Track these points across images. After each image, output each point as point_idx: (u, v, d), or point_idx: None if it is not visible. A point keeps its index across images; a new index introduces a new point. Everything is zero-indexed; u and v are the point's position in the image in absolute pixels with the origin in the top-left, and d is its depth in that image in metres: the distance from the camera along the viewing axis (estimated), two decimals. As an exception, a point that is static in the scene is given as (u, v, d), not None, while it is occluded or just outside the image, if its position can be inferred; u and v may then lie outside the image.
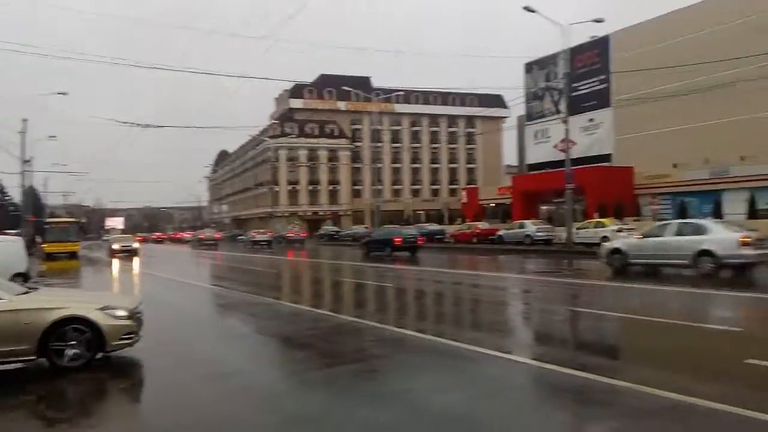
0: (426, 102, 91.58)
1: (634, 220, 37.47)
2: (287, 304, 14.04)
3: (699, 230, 16.67)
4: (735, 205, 36.82)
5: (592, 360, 7.59)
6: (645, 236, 18.63)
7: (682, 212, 37.83)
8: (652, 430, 4.95)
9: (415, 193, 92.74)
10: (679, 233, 17.04)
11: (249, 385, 6.65)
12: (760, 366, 6.59)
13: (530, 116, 59.21)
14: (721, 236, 15.98)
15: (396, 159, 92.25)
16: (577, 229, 33.00)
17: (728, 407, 5.03)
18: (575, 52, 50.09)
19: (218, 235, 68.72)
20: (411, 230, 36.07)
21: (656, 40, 44.47)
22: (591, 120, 51.39)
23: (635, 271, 17.84)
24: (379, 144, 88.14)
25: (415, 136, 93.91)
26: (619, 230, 29.25)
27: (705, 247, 15.81)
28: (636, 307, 12.15)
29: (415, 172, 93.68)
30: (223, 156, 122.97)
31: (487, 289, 16.53)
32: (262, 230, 58.92)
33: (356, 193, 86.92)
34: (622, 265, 18.19)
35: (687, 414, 5.10)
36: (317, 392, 6.28)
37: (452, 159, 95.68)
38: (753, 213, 35.17)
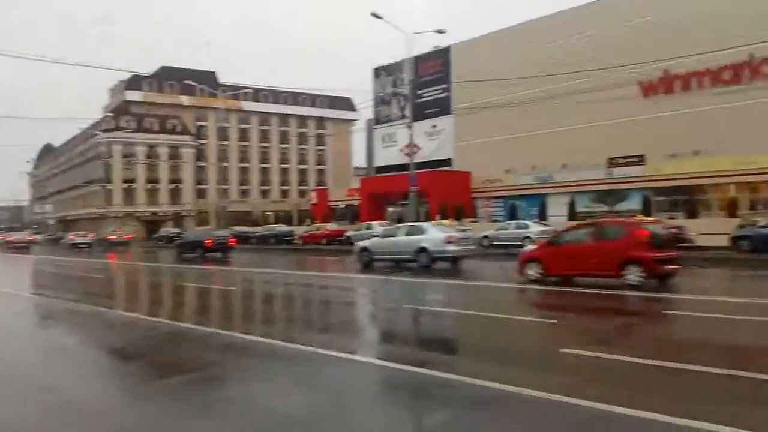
0: (276, 101, 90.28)
1: (471, 221, 39.98)
2: (116, 312, 12.99)
3: (420, 231, 20.34)
4: (558, 207, 40.80)
5: (429, 355, 7.86)
6: (384, 236, 21.78)
7: (512, 214, 41.10)
8: (481, 420, 5.21)
9: (264, 193, 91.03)
10: (408, 234, 20.61)
11: (71, 400, 6.03)
12: (572, 354, 7.26)
13: (378, 120, 60.92)
14: (433, 236, 19.70)
15: (244, 158, 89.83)
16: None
17: (549, 395, 5.42)
18: (420, 60, 52.47)
19: (32, 238, 63.33)
20: (223, 232, 36.74)
21: (492, 53, 47.97)
22: (434, 126, 54.09)
23: (380, 266, 20.43)
24: (226, 142, 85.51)
25: (265, 136, 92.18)
26: (458, 231, 30.96)
27: (422, 245, 19.52)
28: (455, 300, 13.20)
29: (264, 172, 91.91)
30: (47, 150, 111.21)
31: (331, 290, 16.61)
32: (82, 232, 56.17)
33: (200, 193, 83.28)
34: (369, 261, 21.11)
35: (513, 403, 5.44)
36: (149, 405, 5.86)
37: (302, 160, 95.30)
38: (573, 215, 39.11)
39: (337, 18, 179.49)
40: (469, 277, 17.70)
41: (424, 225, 21.87)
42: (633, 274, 13.18)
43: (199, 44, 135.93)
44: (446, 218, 38.27)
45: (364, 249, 21.68)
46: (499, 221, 38.50)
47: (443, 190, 43.81)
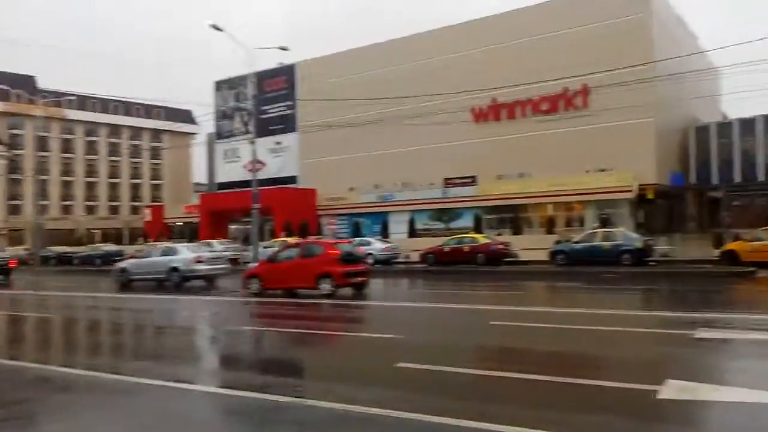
0: (105, 110, 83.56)
1: (317, 239, 39.94)
2: None
3: (173, 252, 21.84)
4: (399, 225, 42.27)
5: (258, 378, 7.56)
6: (141, 257, 23.47)
7: (356, 231, 41.78)
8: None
9: (91, 210, 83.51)
10: (162, 254, 22.03)
11: None
12: (408, 368, 7.35)
13: (220, 135, 58.99)
14: (184, 256, 21.14)
15: (67, 171, 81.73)
16: (264, 247, 33.68)
17: (382, 410, 5.40)
18: (264, 76, 51.79)
19: None
20: (3, 254, 35.47)
21: (337, 73, 48.74)
22: (279, 143, 53.54)
23: (139, 285, 21.54)
24: (46, 153, 77.31)
25: (92, 147, 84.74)
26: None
27: (174, 264, 20.92)
28: (270, 320, 13.31)
29: (91, 186, 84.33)
30: None
31: (155, 314, 15.50)
32: None
33: (14, 209, 74.32)
34: (127, 280, 22.12)
35: (345, 422, 5.34)
36: None
37: (135, 174, 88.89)
38: (413, 232, 40.70)
39: (178, 27, 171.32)
40: (217, 293, 19.16)
41: (177, 246, 23.31)
42: (326, 285, 15.77)
43: (15, 45, 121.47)
44: (291, 236, 37.86)
45: (123, 270, 22.60)
46: (345, 238, 38.88)
47: (288, 208, 43.39)
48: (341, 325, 12.84)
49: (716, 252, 22.00)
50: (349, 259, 16.89)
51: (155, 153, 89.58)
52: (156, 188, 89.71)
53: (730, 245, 21.35)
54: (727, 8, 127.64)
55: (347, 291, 16.42)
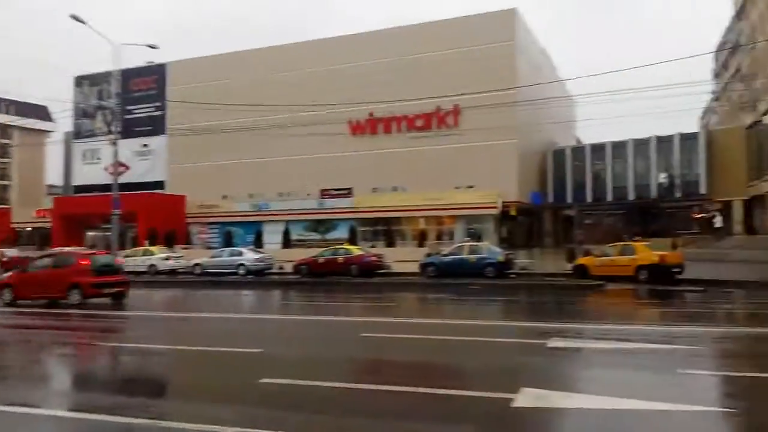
0: (-57, 101, 74.40)
1: (184, 248, 38.12)
2: None
3: None
4: (274, 235, 41.47)
5: (113, 399, 6.93)
6: None
7: (228, 241, 40.42)
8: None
9: None
10: None
11: None
12: (273, 384, 7.10)
13: (79, 134, 54.78)
14: None
15: None
16: (125, 257, 31.50)
17: (243, 429, 5.14)
18: (132, 74, 48.88)
19: None
20: None
21: (211, 76, 47.12)
22: (145, 145, 50.72)
23: None
24: None
25: (-75, 141, 74.95)
26: (167, 258, 29.17)
27: None
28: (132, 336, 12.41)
29: None
30: None
31: None
32: None
33: None
34: None
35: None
36: None
37: (-22, 173, 79.81)
38: (287, 243, 40.09)
39: (37, 18, 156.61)
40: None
41: None
42: (75, 296, 16.20)
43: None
44: (155, 244, 35.77)
45: None
46: (216, 248, 37.44)
47: (154, 214, 41.03)
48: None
49: (569, 266, 23.65)
50: (104, 270, 17.20)
51: (3, 151, 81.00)
52: (3, 189, 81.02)
53: (581, 260, 23.08)
54: (586, 44, 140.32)
55: (105, 301, 16.78)
